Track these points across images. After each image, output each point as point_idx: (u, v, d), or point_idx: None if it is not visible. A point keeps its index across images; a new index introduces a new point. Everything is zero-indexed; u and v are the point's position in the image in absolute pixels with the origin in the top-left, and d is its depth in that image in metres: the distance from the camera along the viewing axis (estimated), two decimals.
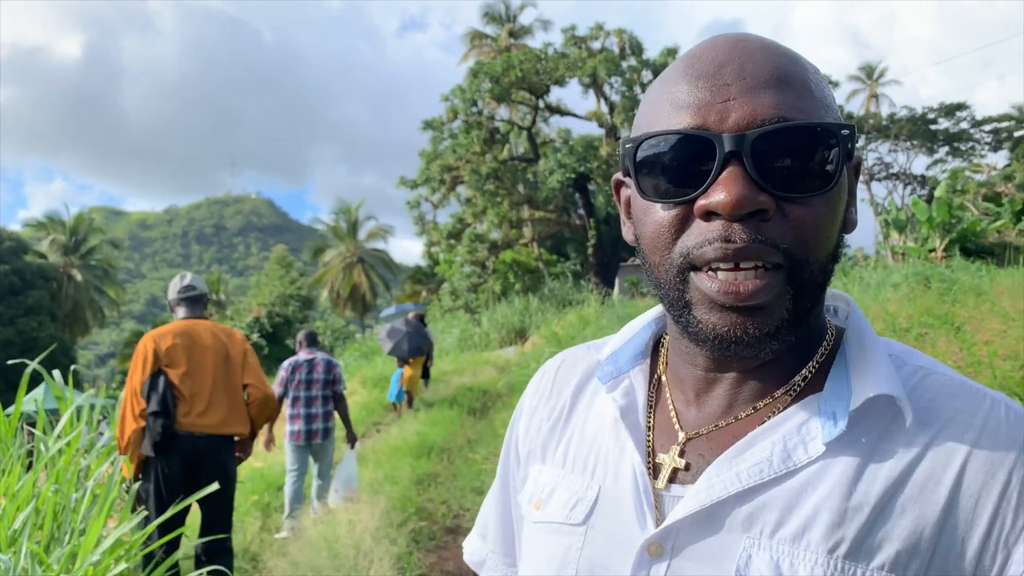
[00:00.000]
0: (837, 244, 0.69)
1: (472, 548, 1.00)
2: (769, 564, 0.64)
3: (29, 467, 3.51)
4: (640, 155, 0.69)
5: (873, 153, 29.68)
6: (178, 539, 3.81)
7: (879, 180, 30.20)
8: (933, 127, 29.19)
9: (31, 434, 3.76)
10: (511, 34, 35.04)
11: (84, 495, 3.02)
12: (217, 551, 4.06)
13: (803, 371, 0.72)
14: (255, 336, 29.65)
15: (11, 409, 3.71)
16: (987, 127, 29.55)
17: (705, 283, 0.66)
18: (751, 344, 0.66)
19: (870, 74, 42.35)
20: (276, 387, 6.29)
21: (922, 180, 29.93)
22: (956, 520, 0.62)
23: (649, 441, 0.77)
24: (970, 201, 16.36)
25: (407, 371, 11.87)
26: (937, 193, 14.42)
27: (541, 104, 27.91)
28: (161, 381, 3.94)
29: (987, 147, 29.91)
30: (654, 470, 0.75)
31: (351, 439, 6.66)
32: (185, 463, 3.95)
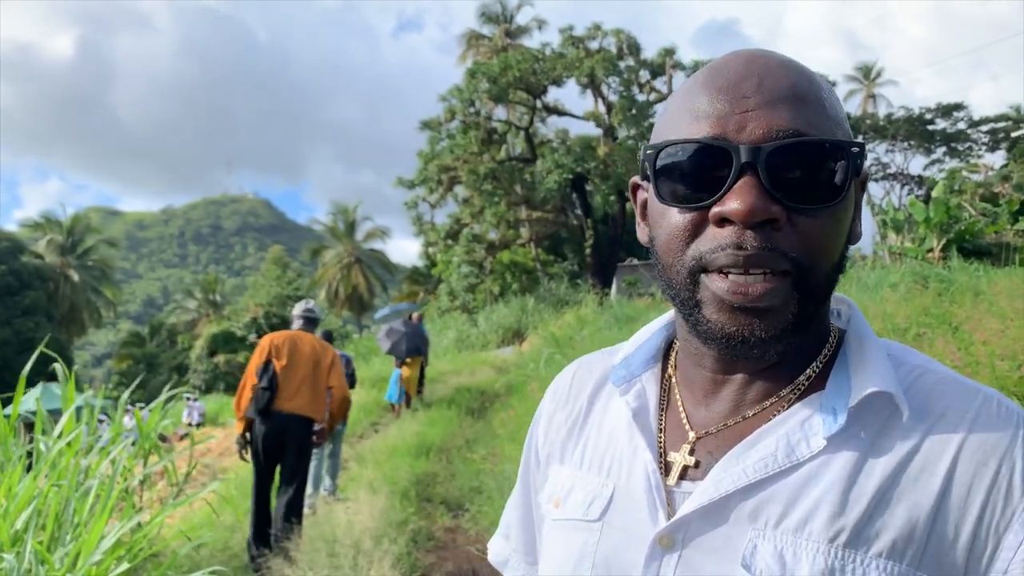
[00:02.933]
0: (843, 255, 0.72)
1: (496, 548, 1.03)
2: (773, 554, 0.67)
3: (29, 467, 3.51)
4: (660, 161, 0.73)
5: (870, 153, 29.70)
6: (272, 480, 5.52)
7: (876, 180, 30.21)
8: (930, 127, 29.20)
9: (30, 434, 3.76)
10: (508, 34, 34.99)
11: (86, 495, 3.02)
12: (294, 493, 5.51)
13: (807, 371, 0.75)
14: (252, 336, 29.56)
15: (9, 409, 3.71)
16: (984, 127, 29.54)
17: (716, 283, 0.69)
18: (757, 345, 0.69)
19: (867, 74, 42.34)
20: None
21: (919, 180, 29.93)
22: (949, 509, 0.65)
23: (661, 441, 0.81)
24: (967, 201, 16.38)
25: (405, 371, 11.89)
26: (934, 193, 14.41)
27: (539, 104, 27.87)
28: (271, 367, 5.36)
29: (984, 147, 29.92)
30: (665, 468, 0.78)
31: None
32: (274, 430, 5.36)
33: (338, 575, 4.63)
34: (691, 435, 0.78)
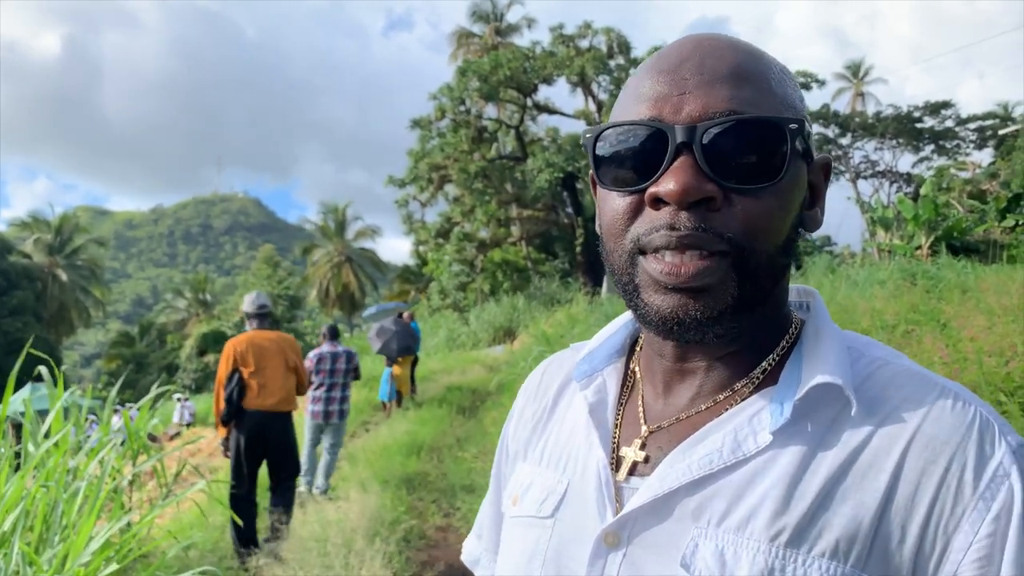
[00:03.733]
0: (790, 238, 0.70)
1: (469, 548, 1.01)
2: (714, 553, 0.65)
3: (17, 468, 3.49)
4: (599, 145, 0.71)
5: (859, 151, 29.78)
6: (256, 479, 5.64)
7: (865, 178, 30.32)
8: (919, 125, 29.29)
9: (18, 435, 3.74)
10: (498, 32, 34.99)
11: (74, 495, 3.00)
12: (285, 488, 5.77)
13: (763, 364, 0.73)
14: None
15: None
16: (972, 125, 29.70)
17: (651, 265, 0.67)
18: (693, 327, 0.67)
19: (856, 73, 42.50)
20: None
21: (908, 178, 30.01)
22: (896, 507, 0.62)
23: (616, 436, 0.78)
24: (955, 199, 16.47)
25: (396, 370, 11.87)
26: (923, 191, 14.50)
27: (529, 103, 27.84)
28: (236, 376, 5.52)
29: (972, 145, 30.05)
30: (618, 464, 0.76)
31: None
32: (254, 429, 5.56)
33: (329, 574, 4.62)
34: (644, 430, 0.76)
